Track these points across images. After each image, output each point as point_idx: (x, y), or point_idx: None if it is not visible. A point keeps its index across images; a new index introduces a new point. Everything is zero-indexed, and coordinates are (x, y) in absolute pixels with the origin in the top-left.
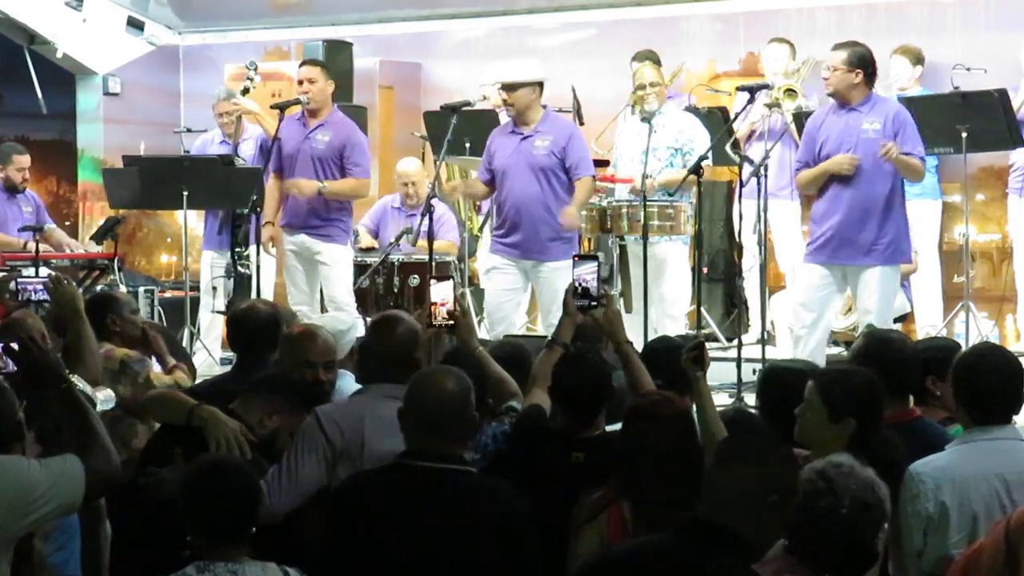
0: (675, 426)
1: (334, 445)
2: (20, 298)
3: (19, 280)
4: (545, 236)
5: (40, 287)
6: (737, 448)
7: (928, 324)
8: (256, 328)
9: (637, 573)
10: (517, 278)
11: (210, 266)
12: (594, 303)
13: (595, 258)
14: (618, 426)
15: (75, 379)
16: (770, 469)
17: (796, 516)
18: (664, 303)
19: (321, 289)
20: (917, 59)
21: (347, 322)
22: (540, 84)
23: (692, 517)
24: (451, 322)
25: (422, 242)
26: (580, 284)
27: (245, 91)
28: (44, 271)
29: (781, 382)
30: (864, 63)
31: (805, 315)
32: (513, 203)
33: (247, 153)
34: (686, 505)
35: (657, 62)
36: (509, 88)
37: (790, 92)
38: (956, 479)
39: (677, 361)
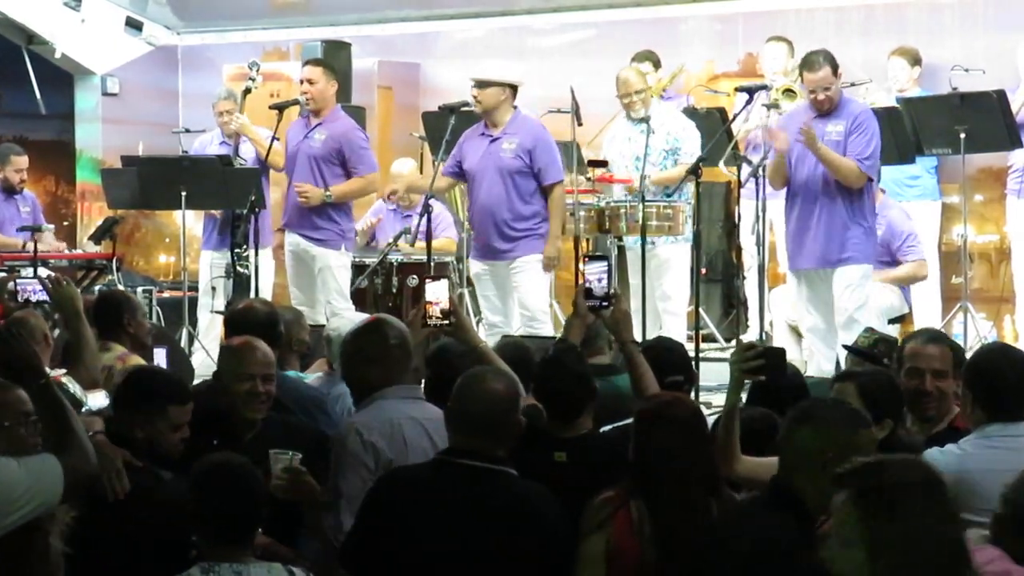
0: (687, 426)
1: (381, 454)
2: (19, 299)
3: (18, 281)
4: (511, 236)
5: (39, 288)
6: (799, 410)
7: (926, 325)
8: (255, 327)
9: (724, 531)
10: (500, 280)
11: (209, 266)
12: (604, 303)
13: (604, 258)
14: (610, 427)
15: (67, 380)
16: (826, 428)
17: (1009, 507)
18: (667, 301)
19: None
20: (915, 60)
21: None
22: (513, 87)
23: (773, 478)
24: (446, 321)
25: (420, 243)
26: (589, 284)
27: (247, 91)
28: (42, 271)
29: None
30: (838, 69)
31: (801, 326)
32: (481, 206)
33: (248, 155)
34: (699, 505)
35: (657, 63)
36: (479, 85)
37: (789, 92)
38: (969, 472)
39: (684, 359)
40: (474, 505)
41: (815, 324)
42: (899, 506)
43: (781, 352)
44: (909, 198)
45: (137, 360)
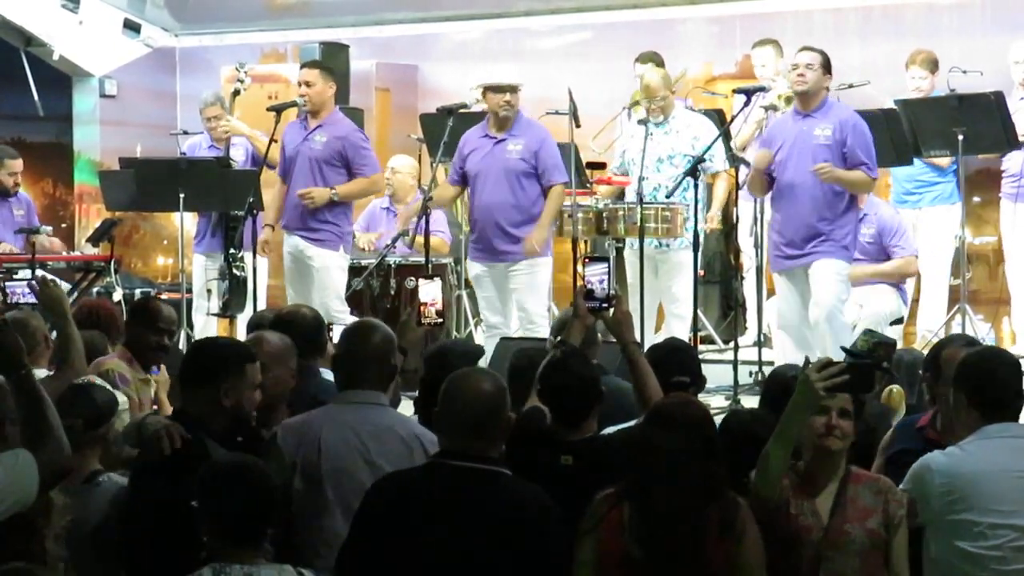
0: (697, 430)
1: (286, 454)
2: (8, 300)
3: (7, 283)
4: (513, 238)
5: (27, 290)
6: None
7: (926, 328)
8: (302, 332)
9: None
10: (499, 282)
11: (203, 268)
12: (605, 305)
13: (605, 260)
14: (613, 428)
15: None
16: None
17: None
18: (675, 304)
19: None
20: (934, 65)
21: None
22: None
23: None
24: (440, 320)
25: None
26: (590, 286)
27: (236, 93)
28: (25, 273)
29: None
30: (831, 70)
31: (784, 328)
32: (484, 207)
33: (238, 157)
34: (694, 511)
35: (660, 64)
36: (513, 90)
37: (789, 100)
38: (973, 473)
39: (693, 361)
40: (469, 506)
41: (794, 329)
42: None
43: (869, 368)
44: (932, 203)
45: (116, 364)
